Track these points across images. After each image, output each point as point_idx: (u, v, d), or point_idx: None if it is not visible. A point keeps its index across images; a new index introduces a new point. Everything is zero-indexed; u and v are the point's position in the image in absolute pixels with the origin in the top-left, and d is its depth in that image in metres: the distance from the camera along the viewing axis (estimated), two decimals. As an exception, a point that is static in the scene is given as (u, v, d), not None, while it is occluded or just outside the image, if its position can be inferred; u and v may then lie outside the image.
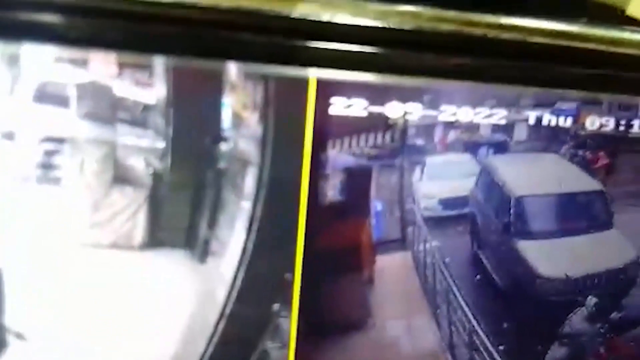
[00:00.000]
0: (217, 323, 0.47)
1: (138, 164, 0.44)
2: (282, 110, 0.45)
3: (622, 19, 0.53)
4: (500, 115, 0.49)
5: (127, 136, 0.43)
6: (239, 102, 0.45)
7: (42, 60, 0.41)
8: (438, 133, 0.49)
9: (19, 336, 0.44)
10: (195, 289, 0.46)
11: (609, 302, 0.55)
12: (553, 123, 0.51)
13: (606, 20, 0.51)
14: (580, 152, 0.52)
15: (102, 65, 0.42)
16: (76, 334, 0.45)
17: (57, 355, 0.45)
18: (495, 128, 0.50)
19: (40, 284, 0.44)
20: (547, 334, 0.54)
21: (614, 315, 0.56)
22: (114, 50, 0.41)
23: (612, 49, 0.50)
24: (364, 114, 0.47)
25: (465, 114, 0.49)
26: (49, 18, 0.40)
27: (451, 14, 0.46)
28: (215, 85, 0.43)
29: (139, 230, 0.44)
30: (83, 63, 0.42)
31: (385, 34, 0.45)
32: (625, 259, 0.55)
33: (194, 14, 0.42)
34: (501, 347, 0.53)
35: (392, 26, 0.45)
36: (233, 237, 0.46)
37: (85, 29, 0.41)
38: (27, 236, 0.43)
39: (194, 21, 0.42)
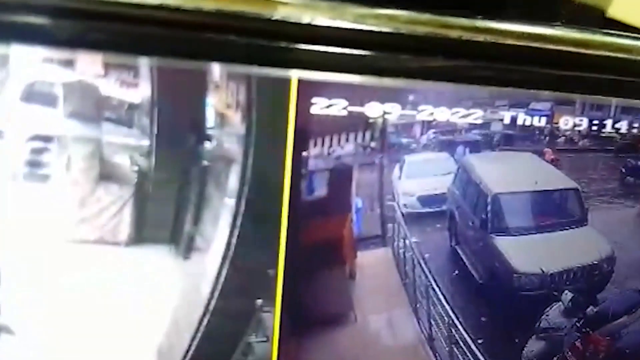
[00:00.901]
0: (202, 318, 0.48)
1: (123, 162, 0.45)
2: (264, 109, 0.46)
3: (603, 21, 0.55)
4: (476, 115, 0.51)
5: (112, 134, 0.44)
6: (222, 102, 0.46)
7: (29, 61, 0.42)
8: (416, 132, 0.51)
9: (7, 330, 0.45)
10: (179, 284, 0.47)
11: (585, 297, 0.56)
12: (528, 123, 0.53)
13: (586, 22, 0.53)
14: (555, 151, 0.54)
15: (88, 66, 0.43)
16: (63, 329, 0.46)
17: (44, 350, 0.46)
18: (472, 127, 0.51)
19: (27, 280, 0.45)
20: (525, 328, 0.56)
21: (590, 309, 0.57)
22: (100, 51, 0.43)
23: (585, 50, 0.51)
24: (344, 113, 0.48)
25: (442, 114, 0.50)
26: (36, 20, 0.41)
27: (427, 16, 0.47)
28: (198, 85, 0.45)
29: (125, 226, 0.45)
30: (70, 63, 0.43)
31: (364, 36, 0.47)
32: (600, 254, 0.56)
33: (178, 16, 0.43)
34: (480, 341, 0.54)
35: (370, 29, 0.47)
36: (217, 234, 0.47)
37: (72, 31, 0.42)
38: (14, 233, 0.44)
39: (178, 23, 0.43)
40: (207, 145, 0.46)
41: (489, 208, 0.54)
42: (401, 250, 0.53)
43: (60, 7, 0.41)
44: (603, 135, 0.54)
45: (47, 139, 0.44)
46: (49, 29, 0.42)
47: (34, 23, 0.41)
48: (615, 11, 0.55)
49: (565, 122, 0.53)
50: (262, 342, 0.49)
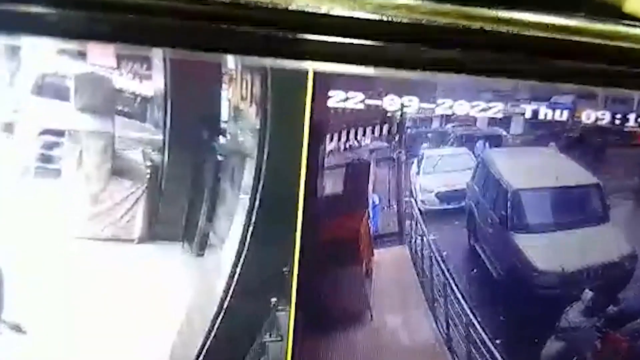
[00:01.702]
0: (216, 316, 0.47)
1: (136, 157, 0.44)
2: (280, 103, 0.45)
3: (618, 15, 0.54)
4: (496, 109, 0.50)
5: (125, 128, 0.43)
6: (237, 95, 0.45)
7: (40, 53, 0.41)
8: (435, 126, 0.49)
9: (18, 329, 0.44)
10: (193, 282, 0.46)
11: (606, 296, 0.55)
12: (549, 117, 0.51)
13: (602, 17, 0.52)
14: (577, 146, 0.53)
15: (100, 58, 0.42)
16: (75, 327, 0.45)
17: (56, 348, 0.45)
18: (492, 121, 0.50)
19: (40, 277, 0.44)
20: (544, 327, 0.55)
21: (610, 309, 0.56)
22: (112, 42, 0.42)
23: (608, 42, 0.50)
24: (362, 107, 0.47)
25: (461, 107, 0.49)
26: (48, 10, 0.40)
27: (448, 7, 0.46)
28: (213, 78, 0.44)
29: (137, 222, 0.44)
30: (82, 55, 0.42)
31: (382, 27, 0.46)
32: (622, 252, 0.55)
33: (192, 7, 0.42)
34: (498, 341, 0.53)
35: (389, 19, 0.45)
36: (231, 230, 0.46)
37: (84, 22, 0.41)
38: (26, 229, 0.43)
39: (191, 13, 0.42)
40: (221, 139, 0.45)
41: (509, 204, 0.52)
42: (419, 248, 0.52)
43: (71, -2, 0.40)
44: (626, 129, 0.53)
45: (58, 133, 0.43)
46: (61, 20, 0.40)
47: (45, 14, 0.40)
48: (631, 7, 0.54)
49: (588, 116, 0.52)
50: (277, 341, 0.48)
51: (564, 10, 0.50)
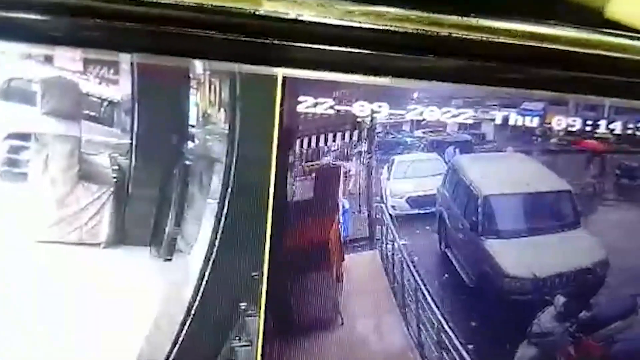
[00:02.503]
0: (184, 321, 0.46)
1: (103, 161, 0.44)
2: (248, 108, 0.45)
3: (600, 21, 0.54)
4: (466, 115, 0.50)
5: (92, 132, 0.43)
6: (205, 100, 0.45)
7: (7, 57, 0.41)
8: (405, 132, 0.50)
9: (-19, 333, 0.44)
10: (161, 287, 0.46)
11: (578, 302, 0.55)
12: (520, 123, 0.51)
13: (583, 22, 0.52)
14: (548, 152, 0.53)
15: (67, 62, 0.42)
16: (41, 332, 0.45)
17: (21, 354, 0.44)
18: (462, 127, 0.50)
19: (5, 281, 0.44)
20: (516, 333, 0.55)
21: (583, 314, 0.56)
22: (79, 47, 0.42)
23: (578, 49, 0.50)
24: (332, 112, 0.47)
25: (432, 114, 0.49)
26: (13, 15, 0.40)
27: (416, 13, 0.46)
28: (180, 83, 0.44)
29: (104, 227, 0.44)
30: (48, 60, 0.42)
31: (352, 33, 0.46)
32: (594, 258, 0.55)
33: (159, 11, 0.42)
34: (470, 346, 0.53)
35: (358, 25, 0.46)
36: (199, 235, 0.46)
37: (51, 26, 0.41)
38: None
39: (159, 18, 0.42)
40: (190, 144, 0.45)
41: (479, 210, 0.53)
42: (389, 253, 0.52)
43: (38, 2, 0.40)
44: (597, 135, 0.53)
45: (25, 137, 0.43)
46: (27, 24, 0.41)
47: (10, 18, 0.40)
48: (612, 12, 0.54)
49: (558, 123, 0.52)
50: (246, 346, 0.48)
51: (541, 18, 0.51)
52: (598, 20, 0.54)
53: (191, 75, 0.44)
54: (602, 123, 0.53)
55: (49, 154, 0.43)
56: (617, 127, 0.53)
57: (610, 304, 0.56)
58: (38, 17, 0.41)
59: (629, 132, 0.54)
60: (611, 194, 0.55)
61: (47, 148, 0.43)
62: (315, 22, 0.45)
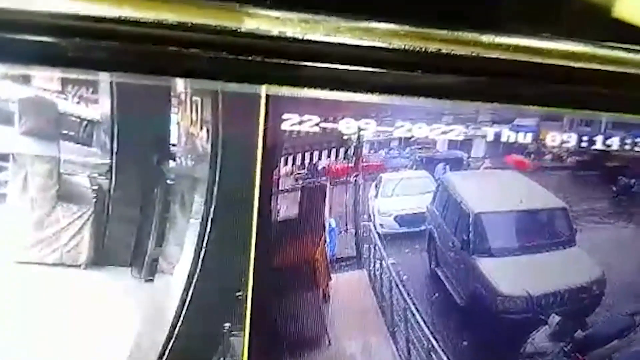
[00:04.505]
0: (166, 342, 0.46)
1: (83, 181, 0.43)
2: (231, 126, 0.45)
3: (608, 21, 0.53)
4: (457, 132, 0.49)
5: (71, 152, 0.42)
6: (187, 118, 0.44)
7: (-17, 77, 0.41)
8: (393, 149, 0.48)
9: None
10: (142, 307, 0.45)
11: (573, 321, 0.54)
12: (512, 139, 0.50)
13: (591, 23, 0.51)
14: (542, 169, 0.52)
15: (45, 82, 0.41)
16: (22, 353, 0.44)
17: (1, 375, 0.44)
18: (452, 144, 0.49)
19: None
20: (509, 353, 0.53)
21: (579, 333, 0.55)
22: (57, 66, 0.41)
23: (572, 63, 0.49)
24: (317, 130, 0.46)
25: (420, 130, 0.48)
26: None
27: (405, 29, 0.45)
28: (161, 101, 0.43)
29: (84, 248, 0.44)
30: (26, 79, 0.41)
31: (337, 50, 0.45)
32: (589, 276, 0.54)
33: (139, 30, 0.41)
34: (461, 366, 0.52)
35: (344, 42, 0.45)
36: (182, 255, 0.45)
37: (28, 46, 0.40)
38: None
39: (139, 37, 0.41)
40: (171, 163, 0.44)
41: (470, 228, 0.51)
42: (378, 272, 0.51)
43: (15, 22, 0.40)
44: (593, 152, 0.52)
45: (3, 157, 0.42)
46: (4, 44, 0.40)
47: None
48: (620, 11, 0.53)
49: (553, 139, 0.51)
50: (231, 367, 0.47)
51: (549, 20, 0.50)
52: (605, 20, 0.53)
53: (172, 94, 0.43)
54: (599, 139, 0.52)
55: (28, 174, 0.42)
56: (614, 142, 0.52)
57: (606, 322, 0.55)
58: (16, 37, 0.40)
59: (627, 147, 0.52)
60: (607, 211, 0.53)
61: (26, 168, 0.42)
62: (298, 39, 0.43)
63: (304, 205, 0.47)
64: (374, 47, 0.45)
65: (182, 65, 0.43)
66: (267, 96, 0.44)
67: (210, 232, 0.45)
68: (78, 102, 0.42)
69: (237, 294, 0.46)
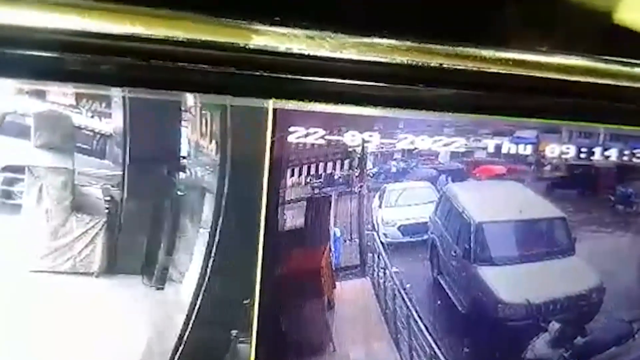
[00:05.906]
0: (176, 349, 0.47)
1: (96, 192, 0.44)
2: (239, 138, 0.46)
3: (610, 26, 0.54)
4: (458, 144, 0.50)
5: (85, 165, 0.44)
6: (197, 131, 0.45)
7: (1, 93, 0.42)
8: (397, 160, 0.50)
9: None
10: (153, 315, 0.46)
11: (573, 328, 0.55)
12: (512, 151, 0.51)
13: (593, 27, 0.52)
14: (542, 179, 0.53)
15: (60, 97, 0.43)
16: None
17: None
18: (454, 155, 0.50)
19: (-1, 311, 0.44)
20: (510, 359, 0.55)
21: (578, 340, 0.56)
22: (71, 82, 0.42)
23: (569, 77, 0.50)
24: (322, 142, 0.48)
25: (423, 142, 0.49)
26: (7, 51, 0.41)
27: (406, 44, 0.47)
28: (172, 115, 0.44)
29: (97, 256, 0.45)
30: (41, 94, 0.43)
31: (342, 65, 0.46)
32: (588, 284, 0.55)
33: (151, 47, 0.42)
34: (463, 373, 0.53)
35: (348, 57, 0.46)
36: (191, 264, 0.47)
37: (43, 62, 0.42)
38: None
39: (150, 53, 0.43)
40: (181, 175, 0.45)
41: (472, 237, 0.53)
42: (381, 281, 0.52)
43: (30, 39, 0.41)
44: (591, 163, 0.53)
45: (19, 169, 0.43)
46: (20, 61, 0.41)
47: (4, 54, 0.41)
48: (622, 16, 0.54)
49: (552, 150, 0.52)
50: (238, 373, 0.48)
51: (551, 24, 0.51)
52: (606, 25, 0.54)
53: (182, 108, 0.45)
54: (597, 150, 0.53)
55: (43, 186, 0.43)
56: (613, 154, 0.53)
57: (605, 329, 0.56)
58: (31, 53, 0.41)
59: (625, 158, 0.54)
60: (606, 221, 0.54)
61: (41, 180, 0.43)
62: (304, 55, 0.45)
63: (309, 215, 0.49)
64: (377, 63, 0.47)
65: (192, 81, 0.44)
66: (274, 110, 0.46)
67: (218, 241, 0.46)
68: (92, 116, 0.43)
69: (245, 301, 0.47)
